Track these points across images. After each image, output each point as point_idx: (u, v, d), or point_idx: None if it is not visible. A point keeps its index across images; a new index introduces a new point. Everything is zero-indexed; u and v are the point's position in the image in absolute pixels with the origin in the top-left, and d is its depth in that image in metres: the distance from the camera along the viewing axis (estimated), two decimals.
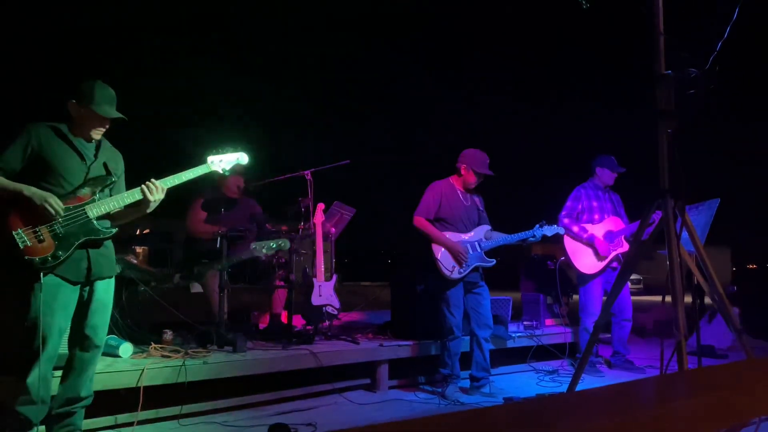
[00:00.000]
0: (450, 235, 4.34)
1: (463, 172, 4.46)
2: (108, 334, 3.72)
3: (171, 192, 3.20)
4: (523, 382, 4.82)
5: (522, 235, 4.43)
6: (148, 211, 3.02)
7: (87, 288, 2.86)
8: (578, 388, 3.19)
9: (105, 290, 2.93)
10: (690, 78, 2.74)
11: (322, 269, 4.73)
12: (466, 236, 4.40)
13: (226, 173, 3.30)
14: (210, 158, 3.20)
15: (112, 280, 2.99)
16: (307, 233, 4.91)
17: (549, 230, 4.49)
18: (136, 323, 4.04)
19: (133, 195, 2.91)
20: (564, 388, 4.45)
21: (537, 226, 4.46)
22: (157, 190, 2.94)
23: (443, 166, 4.63)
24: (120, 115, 2.91)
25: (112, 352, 3.61)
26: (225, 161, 3.23)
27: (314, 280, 4.65)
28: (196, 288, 4.85)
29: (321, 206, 4.96)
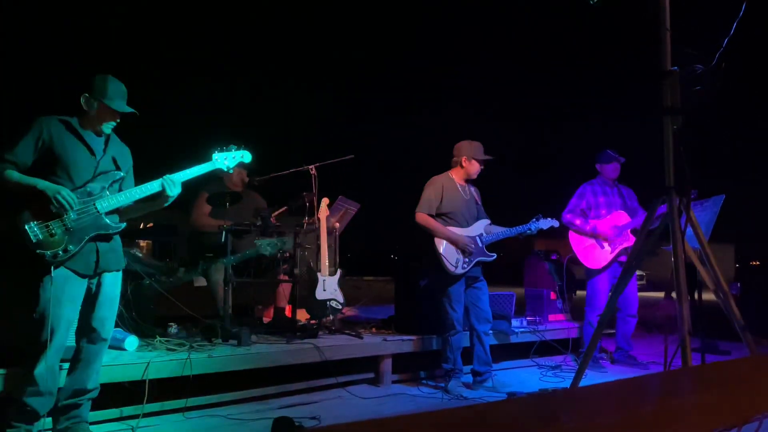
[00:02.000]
0: (452, 230, 4.34)
1: (464, 163, 4.47)
2: (114, 327, 3.76)
3: None
4: (526, 377, 4.83)
5: (520, 228, 4.51)
6: (165, 205, 3.08)
7: (95, 280, 2.89)
8: (581, 383, 3.20)
9: (112, 283, 2.96)
10: (696, 74, 2.74)
11: (326, 264, 4.74)
12: (467, 231, 4.40)
13: (231, 171, 3.36)
14: (215, 155, 3.26)
15: (120, 274, 3.03)
16: (312, 228, 4.92)
17: (544, 223, 4.63)
18: (141, 317, 4.06)
19: (151, 188, 2.96)
20: (567, 384, 4.46)
21: (533, 219, 4.56)
22: (174, 185, 3.01)
23: (447, 160, 4.62)
24: (132, 110, 2.95)
25: (117, 345, 3.63)
26: (229, 159, 3.29)
27: (318, 274, 4.66)
28: (201, 282, 4.87)
29: (325, 201, 4.96)
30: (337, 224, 5.39)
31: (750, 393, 1.22)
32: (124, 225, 2.94)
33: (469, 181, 4.57)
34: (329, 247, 4.86)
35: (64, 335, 2.77)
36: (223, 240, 4.33)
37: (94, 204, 2.80)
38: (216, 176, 5.14)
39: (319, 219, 4.84)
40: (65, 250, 2.69)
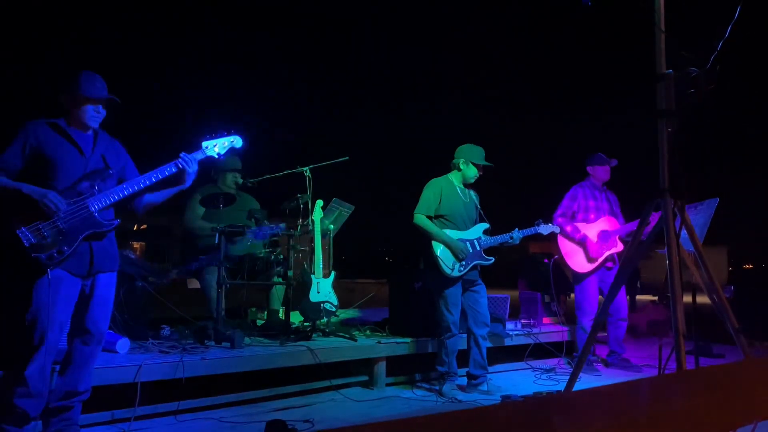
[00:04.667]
0: (450, 233, 4.33)
1: (462, 166, 4.46)
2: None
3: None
4: (520, 380, 4.82)
5: (501, 237, 4.50)
6: (186, 185, 3.08)
7: (89, 281, 2.88)
8: (575, 387, 3.19)
9: (107, 285, 2.95)
10: (690, 77, 2.74)
11: (321, 266, 4.72)
12: (465, 234, 4.39)
13: (222, 157, 3.23)
14: (204, 143, 3.16)
15: (114, 275, 3.02)
16: (306, 230, 4.90)
17: (545, 228, 4.66)
18: (134, 319, 4.03)
19: (164, 172, 2.98)
20: (561, 386, 4.46)
21: (535, 224, 4.58)
22: (190, 162, 3.03)
23: (443, 162, 4.62)
24: (111, 96, 2.93)
25: (109, 348, 3.61)
26: (219, 145, 3.19)
27: (312, 276, 4.64)
28: (194, 284, 4.84)
29: (320, 203, 4.94)
30: (332, 226, 5.38)
31: (744, 397, 1.21)
32: (117, 221, 2.92)
33: (469, 184, 4.56)
34: (323, 249, 4.84)
35: (57, 336, 2.75)
36: (216, 242, 4.30)
37: (85, 203, 2.79)
38: (210, 178, 5.13)
39: (313, 221, 4.82)
40: (60, 251, 2.68)
